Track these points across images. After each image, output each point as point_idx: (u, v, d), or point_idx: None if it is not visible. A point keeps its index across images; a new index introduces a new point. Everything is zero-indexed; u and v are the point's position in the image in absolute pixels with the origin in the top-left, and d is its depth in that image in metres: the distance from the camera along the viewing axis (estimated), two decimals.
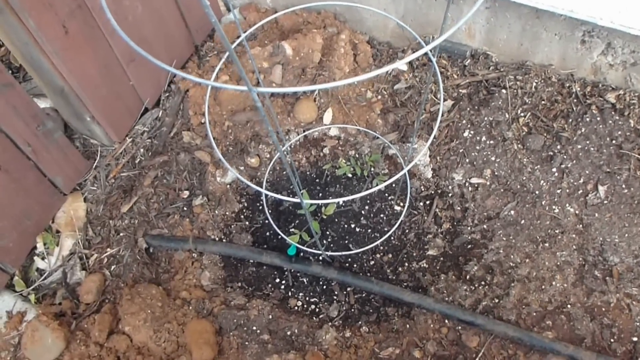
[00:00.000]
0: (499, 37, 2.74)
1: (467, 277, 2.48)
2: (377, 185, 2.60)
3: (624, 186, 2.58)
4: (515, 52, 2.76)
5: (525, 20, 2.62)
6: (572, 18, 2.44)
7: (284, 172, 2.75)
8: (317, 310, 2.43)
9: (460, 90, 2.84)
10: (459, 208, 2.65)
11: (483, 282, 2.46)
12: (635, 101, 2.62)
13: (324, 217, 2.60)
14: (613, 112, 2.63)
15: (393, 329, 2.38)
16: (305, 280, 2.50)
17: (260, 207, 2.67)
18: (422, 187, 2.70)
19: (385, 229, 2.60)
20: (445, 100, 2.82)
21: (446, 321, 2.38)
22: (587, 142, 2.63)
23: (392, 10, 2.85)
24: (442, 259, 2.56)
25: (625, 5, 2.21)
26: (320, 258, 2.48)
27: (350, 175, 2.73)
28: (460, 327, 2.36)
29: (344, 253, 2.47)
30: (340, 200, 1.75)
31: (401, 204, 2.66)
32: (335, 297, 2.46)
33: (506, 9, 2.60)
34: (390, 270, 2.52)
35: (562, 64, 2.71)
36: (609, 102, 2.64)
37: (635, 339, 2.36)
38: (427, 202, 2.68)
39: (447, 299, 2.42)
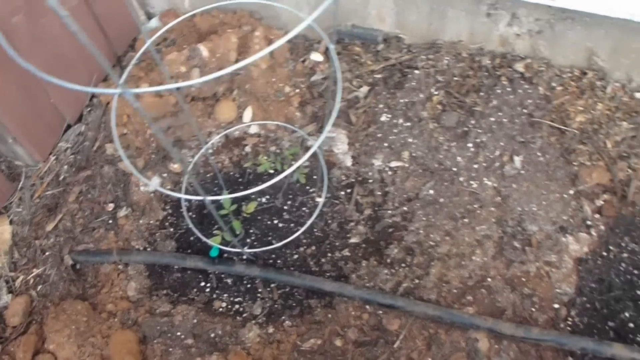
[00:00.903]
0: (409, 18, 2.74)
1: (388, 260, 2.50)
2: (295, 176, 2.63)
3: (539, 154, 2.59)
4: (425, 32, 2.76)
5: (432, 0, 2.61)
6: None
7: (208, 175, 2.78)
8: (241, 309, 2.47)
9: (375, 76, 2.85)
10: (379, 193, 2.67)
11: (403, 264, 2.48)
12: (543, 68, 2.62)
13: (246, 215, 2.63)
14: (522, 81, 2.64)
15: (315, 320, 2.41)
16: (229, 281, 2.54)
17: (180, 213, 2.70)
18: (342, 175, 2.72)
19: (307, 221, 2.63)
20: (361, 86, 2.83)
21: (367, 307, 2.41)
22: (500, 113, 2.63)
23: (304, 3, 2.85)
24: (364, 245, 2.58)
25: None
26: (245, 257, 2.52)
27: (272, 171, 2.75)
28: (381, 312, 2.39)
29: (263, 249, 2.50)
30: (245, 193, 1.77)
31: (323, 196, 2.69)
32: (259, 295, 2.49)
33: None
34: (314, 262, 2.55)
35: (471, 39, 2.72)
36: (517, 72, 2.65)
37: (556, 305, 2.38)
38: (349, 191, 2.70)
39: (368, 284, 2.44)
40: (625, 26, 2.30)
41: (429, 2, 2.59)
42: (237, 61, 2.72)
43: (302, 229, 2.51)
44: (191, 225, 2.49)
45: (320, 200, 2.59)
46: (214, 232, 2.61)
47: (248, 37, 2.77)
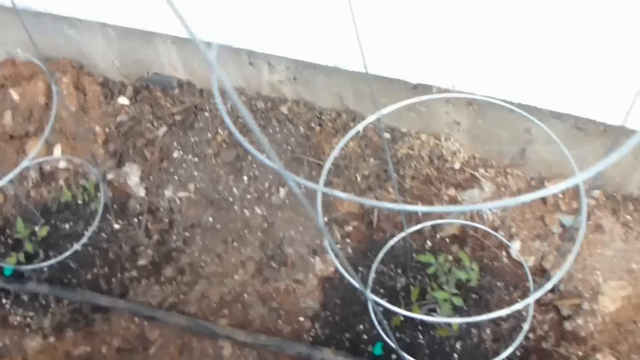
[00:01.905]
0: (194, 67, 3.16)
1: (162, 279, 2.89)
2: (93, 205, 3.02)
3: (302, 186, 2.98)
4: (209, 78, 3.17)
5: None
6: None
7: (30, 207, 3.18)
8: (32, 323, 2.86)
9: (175, 117, 3.26)
10: (167, 220, 3.07)
11: (174, 282, 2.87)
12: (302, 110, 3.04)
13: (45, 239, 3.02)
14: (287, 122, 3.05)
15: (92, 331, 2.79)
16: (26, 298, 2.93)
17: (3, 240, 3.10)
18: (137, 205, 3.12)
19: (104, 246, 3.02)
20: (161, 126, 3.24)
21: (136, 319, 2.79)
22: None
23: (110, 53, 3.28)
24: (150, 267, 2.97)
25: (267, 32, 2.60)
26: (44, 276, 2.91)
27: (79, 201, 3.15)
28: (146, 323, 2.77)
29: (37, 266, 2.87)
30: None
31: (120, 222, 3.09)
32: (51, 310, 2.88)
33: (185, 42, 3.01)
34: (104, 282, 2.94)
35: (248, 85, 3.13)
36: (283, 114, 3.06)
37: (301, 318, 2.76)
38: (141, 218, 3.10)
39: (139, 299, 2.83)
40: (353, 74, 2.71)
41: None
42: (47, 104, 3.14)
43: (78, 245, 2.89)
44: None
45: (93, 224, 2.98)
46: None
47: (57, 82, 3.19)
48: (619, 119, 2.36)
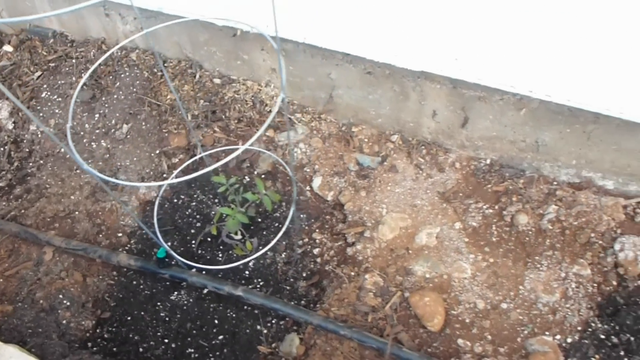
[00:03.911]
0: (65, 19, 3.60)
1: (11, 197, 3.30)
2: None
3: (142, 123, 3.37)
4: (79, 30, 3.61)
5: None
6: None
7: None
8: None
9: (50, 64, 3.70)
10: (27, 150, 3.48)
11: (20, 199, 3.27)
12: (147, 57, 3.43)
13: None
14: (135, 67, 3.44)
15: None
16: None
17: None
18: (5, 136, 3.55)
19: None
20: (36, 71, 3.68)
21: None
22: (120, 92, 3.44)
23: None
24: (6, 188, 3.39)
25: None
26: None
27: None
28: None
29: None
30: None
31: None
32: None
33: None
34: None
35: (108, 36, 3.54)
36: (132, 60, 3.46)
37: (120, 234, 3.12)
38: (6, 147, 3.53)
39: None
40: (188, 24, 3.09)
41: (68, 3, 3.43)
42: None
43: None
44: None
45: None
46: None
47: None
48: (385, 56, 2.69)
